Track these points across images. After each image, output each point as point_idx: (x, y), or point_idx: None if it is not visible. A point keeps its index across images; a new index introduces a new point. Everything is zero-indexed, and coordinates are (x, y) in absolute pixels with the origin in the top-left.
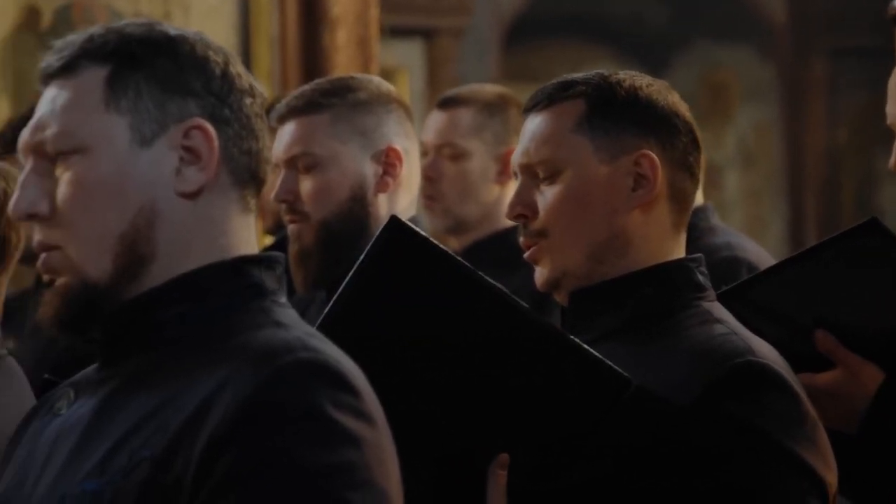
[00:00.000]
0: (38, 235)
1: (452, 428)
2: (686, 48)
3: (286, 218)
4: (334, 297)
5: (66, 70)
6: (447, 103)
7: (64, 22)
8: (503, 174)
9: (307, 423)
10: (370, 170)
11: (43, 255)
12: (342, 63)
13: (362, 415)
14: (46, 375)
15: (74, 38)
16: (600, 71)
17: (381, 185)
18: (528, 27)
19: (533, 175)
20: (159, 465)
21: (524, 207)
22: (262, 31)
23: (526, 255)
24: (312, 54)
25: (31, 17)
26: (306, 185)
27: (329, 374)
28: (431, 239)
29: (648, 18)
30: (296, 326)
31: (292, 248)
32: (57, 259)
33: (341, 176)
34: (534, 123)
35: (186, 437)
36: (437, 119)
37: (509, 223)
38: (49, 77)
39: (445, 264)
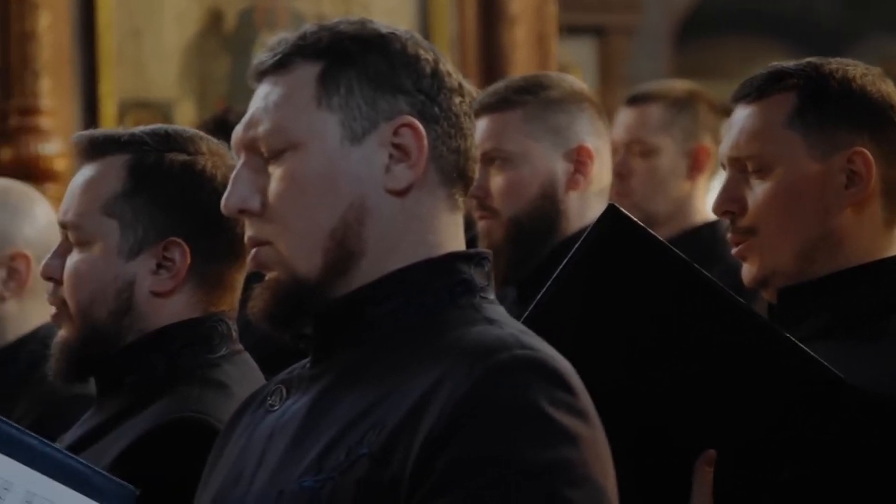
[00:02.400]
0: (249, 231)
1: (660, 422)
2: (860, 41)
3: (476, 214)
4: (547, 285)
5: (279, 67)
6: (636, 100)
7: (246, 25)
8: (693, 170)
9: (525, 421)
10: (561, 167)
11: (254, 251)
12: (520, 61)
13: (578, 412)
14: None
15: (287, 36)
16: (811, 60)
17: (572, 183)
18: (699, 22)
19: (742, 169)
20: (377, 462)
21: (732, 203)
22: (441, 30)
23: (734, 251)
24: (491, 53)
25: (214, 21)
26: (497, 181)
27: (545, 371)
28: (649, 229)
29: (821, 11)
30: (508, 323)
31: (482, 245)
32: (268, 254)
33: (532, 173)
34: (743, 116)
35: (404, 435)
36: (626, 116)
37: (700, 219)
38: (262, 74)
39: (663, 255)
